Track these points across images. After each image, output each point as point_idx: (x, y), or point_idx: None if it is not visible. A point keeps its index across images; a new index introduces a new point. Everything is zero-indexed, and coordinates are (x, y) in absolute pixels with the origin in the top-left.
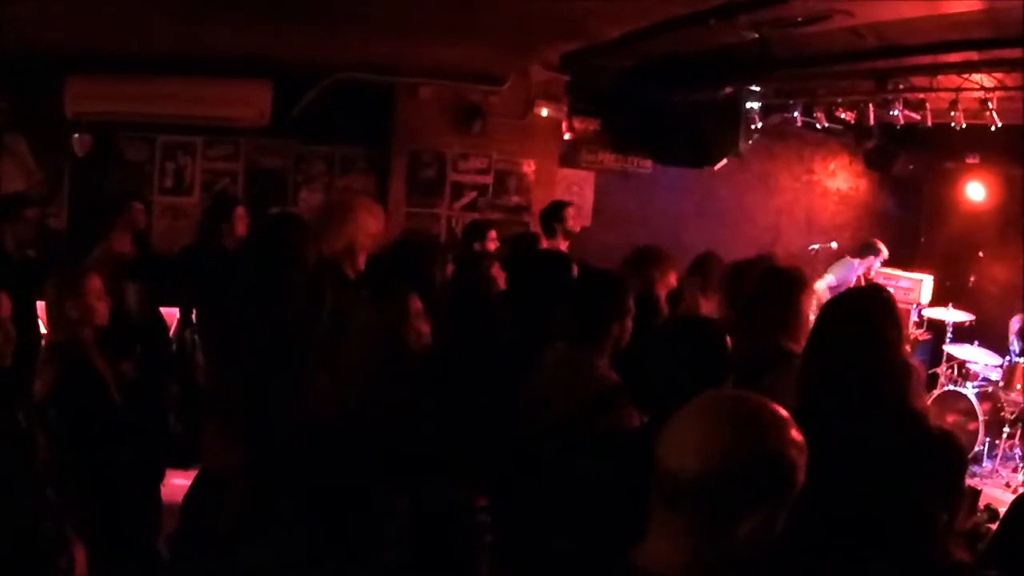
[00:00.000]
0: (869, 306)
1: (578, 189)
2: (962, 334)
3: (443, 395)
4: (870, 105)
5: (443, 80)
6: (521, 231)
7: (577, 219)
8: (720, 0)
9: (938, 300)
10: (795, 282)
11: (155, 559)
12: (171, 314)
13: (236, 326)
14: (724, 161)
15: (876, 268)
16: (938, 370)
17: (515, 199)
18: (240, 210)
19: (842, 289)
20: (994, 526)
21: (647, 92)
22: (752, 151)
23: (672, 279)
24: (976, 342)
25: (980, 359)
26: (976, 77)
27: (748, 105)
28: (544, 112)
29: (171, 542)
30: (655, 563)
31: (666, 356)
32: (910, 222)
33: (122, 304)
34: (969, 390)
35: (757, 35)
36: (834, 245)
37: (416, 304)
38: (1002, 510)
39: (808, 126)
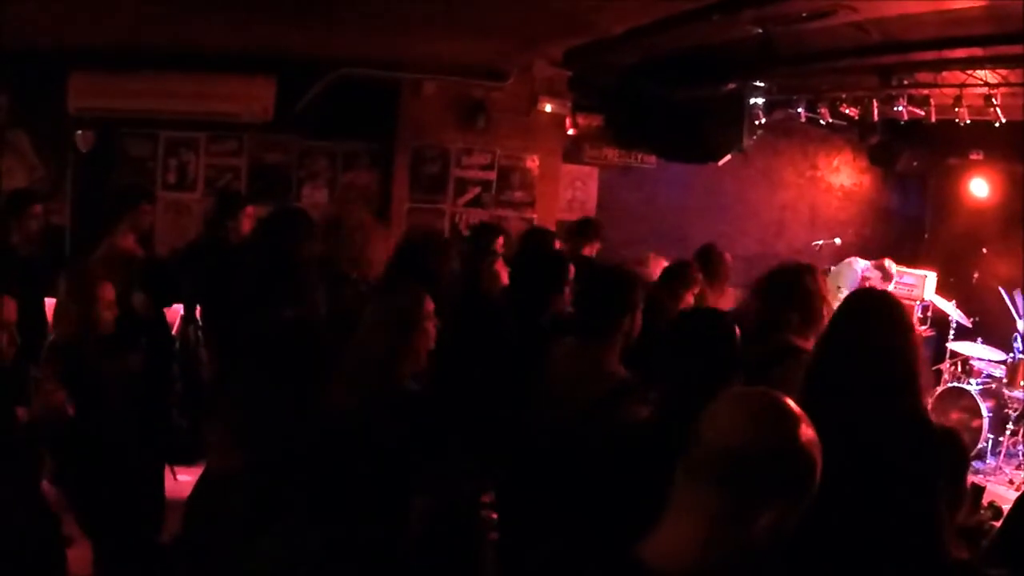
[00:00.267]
0: (880, 307)
1: (582, 185)
2: (965, 331)
3: (448, 390)
4: (874, 101)
5: (447, 76)
6: (530, 227)
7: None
8: None
9: (942, 296)
10: (803, 279)
11: (158, 556)
12: (174, 311)
13: (238, 323)
14: (728, 157)
15: (879, 280)
16: (941, 367)
17: (519, 195)
18: (249, 209)
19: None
20: (998, 523)
21: (651, 88)
22: (756, 147)
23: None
24: (980, 339)
25: (984, 356)
26: (980, 73)
27: (752, 101)
28: (548, 108)
29: (174, 545)
30: (663, 556)
31: (677, 349)
32: (914, 218)
33: (127, 300)
34: (973, 387)
35: (761, 31)
36: (838, 241)
37: (429, 304)
38: (1006, 507)
39: (812, 122)
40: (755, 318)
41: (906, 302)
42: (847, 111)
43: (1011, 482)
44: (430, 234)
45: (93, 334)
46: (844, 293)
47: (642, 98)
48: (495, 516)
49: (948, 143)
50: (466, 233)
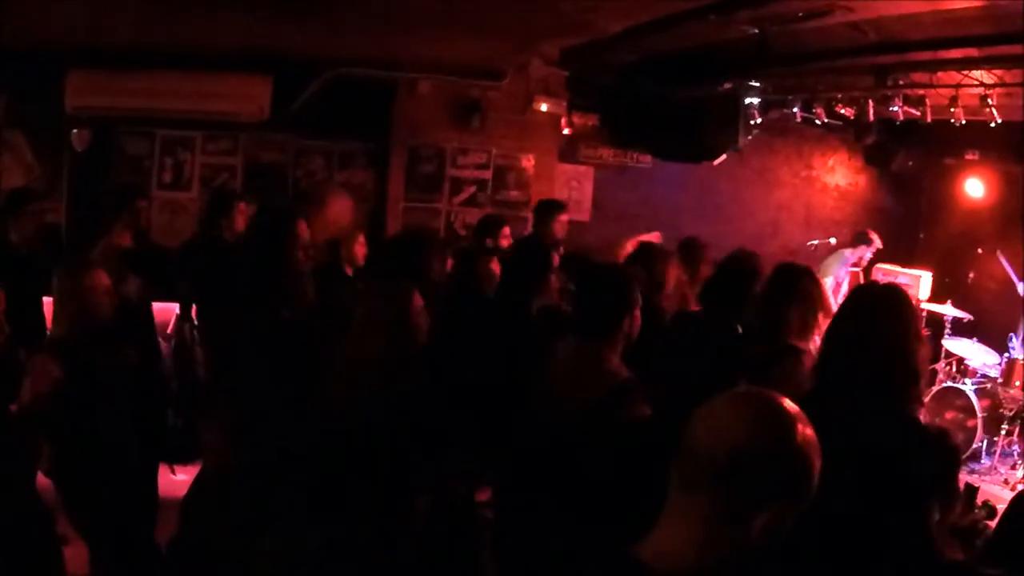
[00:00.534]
0: (888, 305)
1: (577, 184)
2: (961, 330)
3: (442, 389)
4: (870, 101)
5: (442, 75)
6: (526, 232)
7: (566, 224)
8: None
9: (937, 296)
10: (802, 280)
11: (154, 555)
12: (170, 309)
13: (232, 321)
14: (723, 156)
15: (867, 258)
16: (937, 366)
17: (514, 194)
18: (241, 205)
19: (839, 283)
20: (992, 523)
21: (646, 87)
22: (751, 146)
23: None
24: (975, 338)
25: (979, 356)
26: (976, 73)
27: (747, 100)
28: (543, 107)
29: (171, 545)
30: (662, 555)
31: (680, 349)
32: (909, 218)
33: (122, 292)
34: (968, 387)
35: (757, 30)
36: (833, 241)
37: (419, 300)
38: (1000, 507)
39: (807, 122)
40: (755, 318)
41: None
42: (843, 111)
43: (1006, 482)
44: (420, 232)
45: (90, 327)
46: (828, 281)
47: (638, 97)
48: (492, 515)
49: (944, 143)
50: (462, 232)
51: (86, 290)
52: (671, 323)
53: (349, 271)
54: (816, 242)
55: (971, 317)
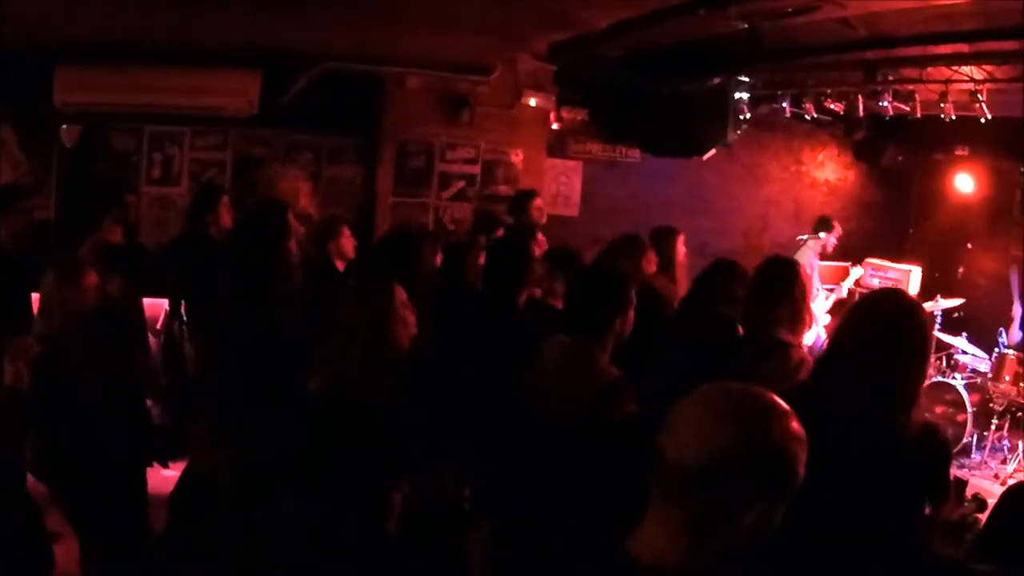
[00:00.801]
0: (903, 327)
1: (566, 179)
2: (951, 325)
3: (430, 384)
4: (859, 96)
5: (431, 70)
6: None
7: (544, 210)
8: None
9: (927, 291)
10: (791, 274)
11: (144, 550)
12: (160, 305)
13: (222, 319)
14: (712, 151)
15: (832, 244)
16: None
17: (503, 189)
18: (225, 199)
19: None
20: (982, 516)
21: (635, 82)
22: (740, 141)
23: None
24: (964, 333)
25: (969, 350)
26: (966, 69)
27: (737, 95)
28: (532, 102)
29: (159, 539)
30: (651, 552)
31: (677, 347)
32: (899, 213)
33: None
34: (958, 381)
35: (746, 25)
36: (822, 236)
37: (401, 295)
38: (991, 501)
39: (797, 117)
40: (743, 313)
41: None
42: (832, 106)
43: (996, 476)
44: (410, 229)
45: (78, 323)
46: None
47: (627, 92)
48: (478, 511)
49: (933, 139)
50: (451, 227)
51: (71, 287)
52: (671, 321)
53: (340, 266)
54: (806, 237)
55: (961, 306)
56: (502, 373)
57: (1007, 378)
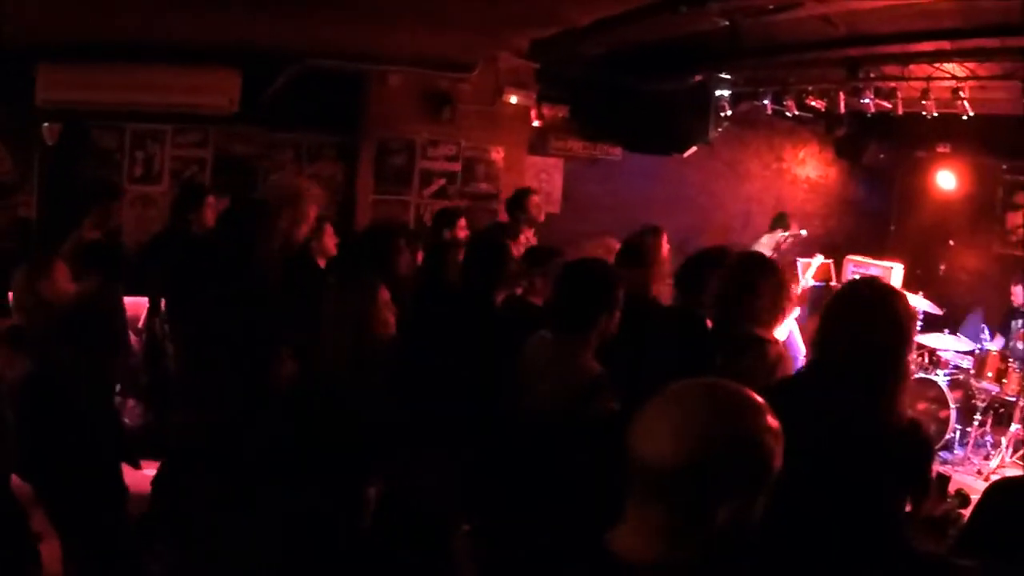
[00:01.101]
0: (884, 312)
1: (547, 176)
2: (933, 322)
3: (411, 381)
4: (841, 93)
5: (412, 67)
6: (490, 220)
7: (542, 207)
8: None
9: (909, 288)
10: (764, 270)
11: (126, 547)
12: (141, 304)
13: (204, 316)
14: (693, 149)
15: (788, 240)
16: (909, 358)
17: (484, 186)
18: (210, 199)
19: None
20: (965, 511)
21: (617, 79)
22: (722, 139)
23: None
24: (946, 330)
25: (951, 347)
26: (948, 66)
27: (718, 93)
28: (513, 99)
29: (141, 522)
30: (630, 547)
31: (655, 344)
32: (881, 210)
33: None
34: (940, 378)
35: (728, 23)
36: (804, 233)
37: (384, 294)
38: (974, 497)
39: (778, 114)
40: (718, 309)
41: None
42: (814, 103)
43: (979, 472)
44: (390, 225)
45: (52, 319)
46: None
47: (608, 90)
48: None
49: (915, 136)
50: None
51: (44, 283)
52: (648, 319)
53: (322, 263)
54: (786, 234)
55: (942, 312)
56: (481, 371)
57: (989, 374)
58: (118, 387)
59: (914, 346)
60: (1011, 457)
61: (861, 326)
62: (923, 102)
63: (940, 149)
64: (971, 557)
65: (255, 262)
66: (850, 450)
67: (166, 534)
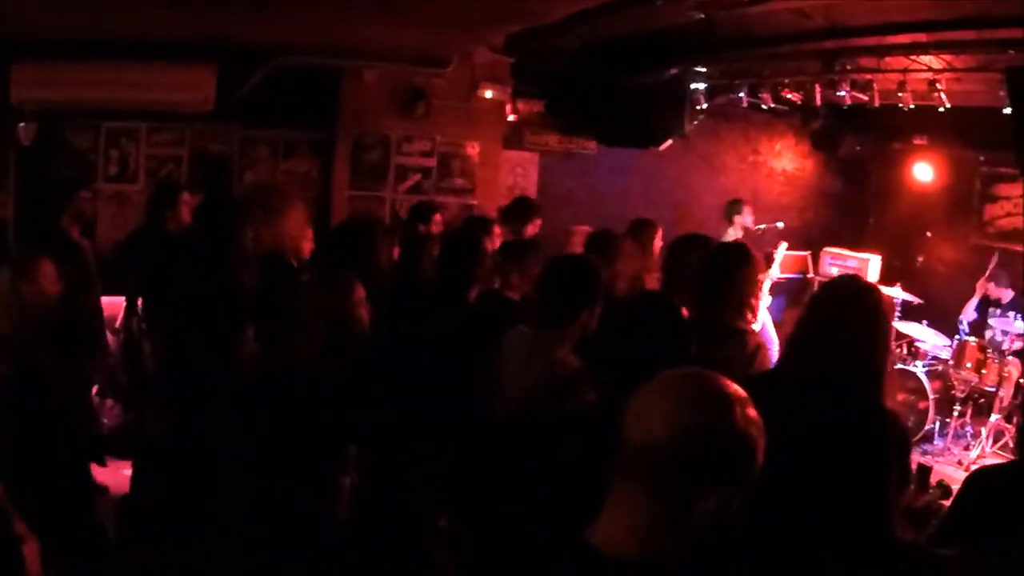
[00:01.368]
0: (861, 311)
1: (522, 171)
2: (911, 313)
3: (387, 377)
4: (817, 86)
5: (387, 63)
6: (467, 214)
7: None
8: None
9: (886, 280)
10: (742, 260)
11: (106, 546)
12: (118, 304)
13: (181, 314)
14: (669, 142)
15: (751, 223)
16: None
17: (459, 181)
18: (185, 196)
19: None
20: (946, 503)
21: (592, 73)
22: (697, 132)
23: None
24: (925, 321)
25: (929, 338)
26: (924, 58)
27: (693, 86)
28: (488, 94)
29: (119, 509)
30: (610, 540)
31: (628, 334)
32: (857, 203)
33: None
34: (919, 369)
35: (703, 15)
36: (780, 225)
37: (359, 291)
38: (955, 487)
39: (754, 107)
40: (694, 300)
41: None
42: (790, 96)
43: (960, 463)
44: (366, 220)
45: (35, 320)
46: None
47: (584, 83)
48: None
49: (891, 128)
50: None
51: (27, 282)
52: (619, 308)
53: (294, 262)
54: (763, 226)
55: (921, 301)
56: (457, 366)
57: (968, 365)
58: (95, 387)
59: (892, 341)
60: (991, 447)
61: (839, 321)
62: (900, 94)
63: (917, 141)
64: (952, 546)
65: (232, 260)
66: (827, 443)
67: (147, 530)
